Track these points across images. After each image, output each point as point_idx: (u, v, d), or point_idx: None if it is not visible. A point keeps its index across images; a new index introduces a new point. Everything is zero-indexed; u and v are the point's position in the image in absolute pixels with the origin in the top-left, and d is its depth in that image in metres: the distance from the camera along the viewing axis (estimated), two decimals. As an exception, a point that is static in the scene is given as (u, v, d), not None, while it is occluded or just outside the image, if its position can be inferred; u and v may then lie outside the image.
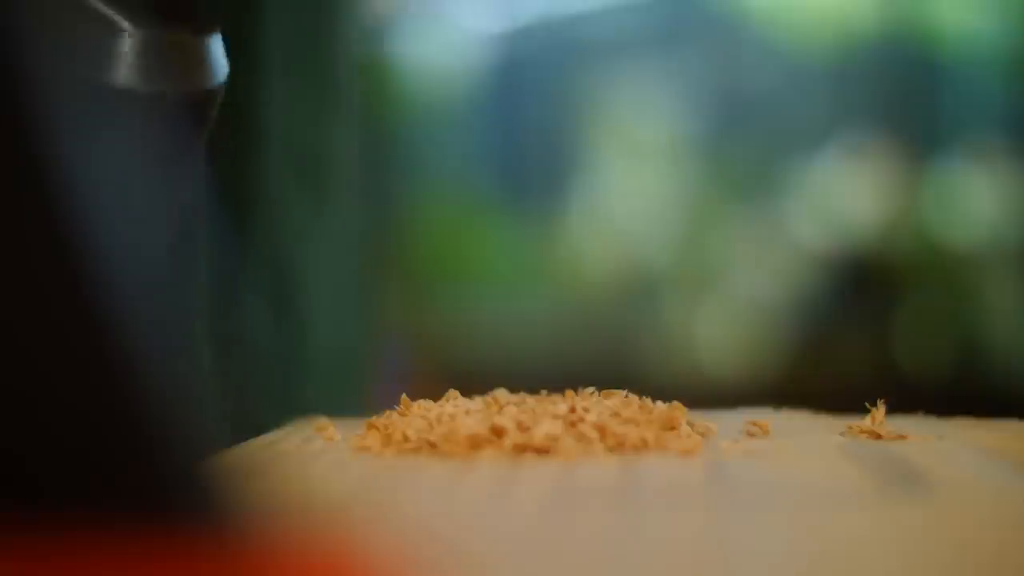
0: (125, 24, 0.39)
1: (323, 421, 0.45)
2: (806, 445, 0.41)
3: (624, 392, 0.44)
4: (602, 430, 0.40)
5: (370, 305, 0.57)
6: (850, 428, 0.44)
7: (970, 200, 1.64)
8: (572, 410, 0.41)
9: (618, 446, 0.39)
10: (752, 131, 1.76)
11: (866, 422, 0.44)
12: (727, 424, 0.44)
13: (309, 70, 0.53)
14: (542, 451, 0.39)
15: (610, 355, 1.70)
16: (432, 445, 0.39)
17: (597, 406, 0.41)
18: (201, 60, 0.42)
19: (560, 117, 1.82)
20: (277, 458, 0.40)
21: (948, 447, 0.41)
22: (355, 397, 0.57)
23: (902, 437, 0.42)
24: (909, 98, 1.70)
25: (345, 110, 0.56)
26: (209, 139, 0.51)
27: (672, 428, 0.41)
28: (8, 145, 0.21)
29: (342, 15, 0.56)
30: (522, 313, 1.77)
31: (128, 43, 0.39)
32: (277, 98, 0.52)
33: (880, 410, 0.44)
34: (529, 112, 1.84)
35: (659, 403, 0.43)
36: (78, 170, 0.21)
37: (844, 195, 1.68)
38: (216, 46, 0.43)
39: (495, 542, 0.29)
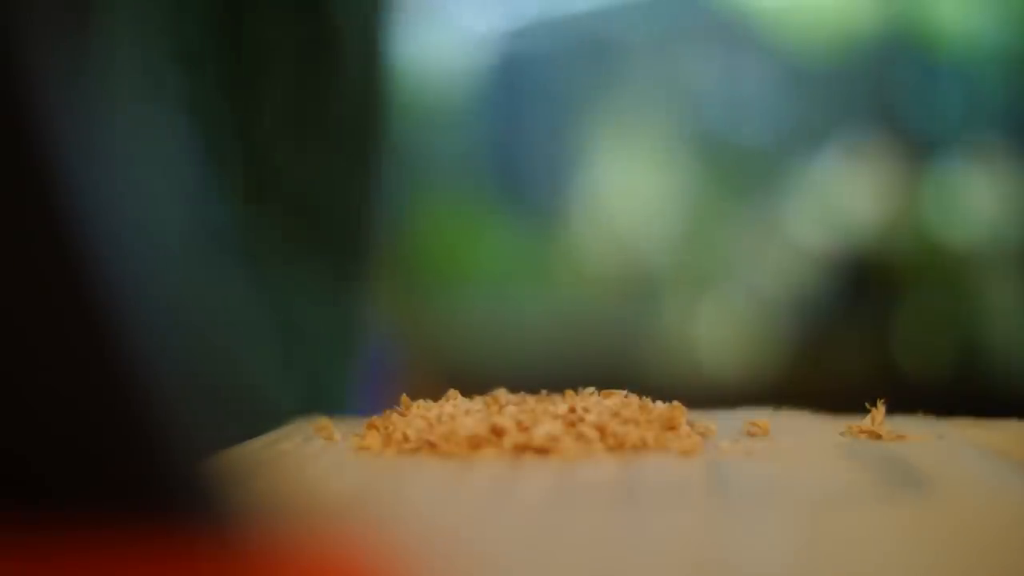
0: None
1: (323, 421, 0.45)
2: (806, 445, 0.41)
3: (624, 392, 0.44)
4: (602, 430, 0.40)
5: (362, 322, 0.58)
6: (850, 428, 0.44)
7: (970, 200, 1.64)
8: (572, 410, 0.41)
9: (618, 446, 0.39)
10: (752, 131, 1.76)
11: (866, 422, 0.44)
12: (727, 424, 0.44)
13: (323, 118, 0.54)
14: (542, 451, 0.39)
15: (610, 355, 1.70)
16: (432, 445, 0.39)
17: (597, 406, 0.41)
18: None
19: (560, 117, 1.82)
20: (277, 458, 0.40)
21: (948, 447, 0.41)
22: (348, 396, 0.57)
23: (902, 437, 0.42)
24: (909, 98, 1.70)
25: (369, 163, 0.56)
26: (216, 178, 0.51)
27: (672, 428, 0.41)
28: (9, 143, 0.21)
29: (368, 66, 0.56)
30: (522, 313, 1.77)
31: None
32: (287, 145, 0.53)
33: (880, 410, 0.44)
34: (529, 112, 1.84)
35: (659, 403, 0.43)
36: (80, 167, 0.21)
37: (844, 195, 1.68)
38: None
39: (495, 542, 0.29)
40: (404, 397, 0.44)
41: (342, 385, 0.57)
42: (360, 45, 0.55)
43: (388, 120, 0.59)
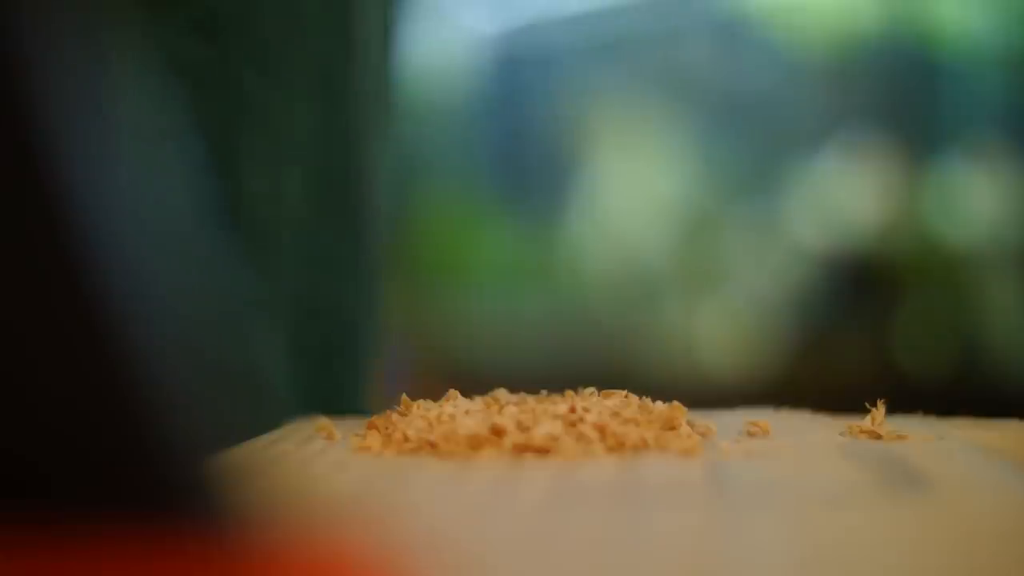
0: None
1: (323, 421, 0.45)
2: (806, 445, 0.41)
3: (624, 392, 0.44)
4: (602, 430, 0.40)
5: (381, 318, 0.58)
6: (850, 428, 0.44)
7: (970, 200, 1.64)
8: (572, 410, 0.41)
9: (618, 446, 0.39)
10: (752, 131, 1.76)
11: (866, 422, 0.44)
12: (727, 424, 0.44)
13: (342, 91, 0.54)
14: (542, 451, 0.39)
15: (610, 355, 1.70)
16: (432, 445, 0.39)
17: (597, 406, 0.41)
18: None
19: (560, 117, 1.82)
20: (277, 458, 0.40)
21: (948, 447, 0.41)
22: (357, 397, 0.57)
23: (902, 437, 0.42)
24: (909, 98, 1.70)
25: (379, 132, 0.56)
26: (229, 154, 0.51)
27: (672, 428, 0.41)
28: (7, 143, 0.21)
29: (379, 35, 0.56)
30: (522, 313, 1.77)
31: None
32: (308, 117, 0.53)
33: (880, 410, 0.44)
34: (529, 112, 1.84)
35: (659, 403, 0.43)
36: (78, 167, 0.21)
37: (844, 195, 1.68)
38: None
39: (495, 542, 0.29)
40: (404, 397, 0.44)
41: (343, 385, 0.57)
42: (376, 27, 0.55)
43: (399, 106, 0.59)
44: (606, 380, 0.46)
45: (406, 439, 0.40)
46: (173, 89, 0.49)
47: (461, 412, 0.42)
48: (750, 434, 0.43)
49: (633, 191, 1.77)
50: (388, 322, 0.60)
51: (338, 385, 0.56)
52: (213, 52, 0.50)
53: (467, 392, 0.45)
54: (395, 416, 0.43)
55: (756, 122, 1.76)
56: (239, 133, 0.51)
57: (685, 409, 0.43)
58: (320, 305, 0.55)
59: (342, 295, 0.56)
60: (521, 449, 0.39)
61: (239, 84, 0.51)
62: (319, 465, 0.39)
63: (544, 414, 0.40)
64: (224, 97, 0.51)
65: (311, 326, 0.55)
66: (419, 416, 0.42)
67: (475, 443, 0.39)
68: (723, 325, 1.71)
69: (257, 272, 0.52)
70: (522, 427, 0.39)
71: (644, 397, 0.44)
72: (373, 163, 0.56)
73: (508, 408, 0.41)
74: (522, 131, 1.85)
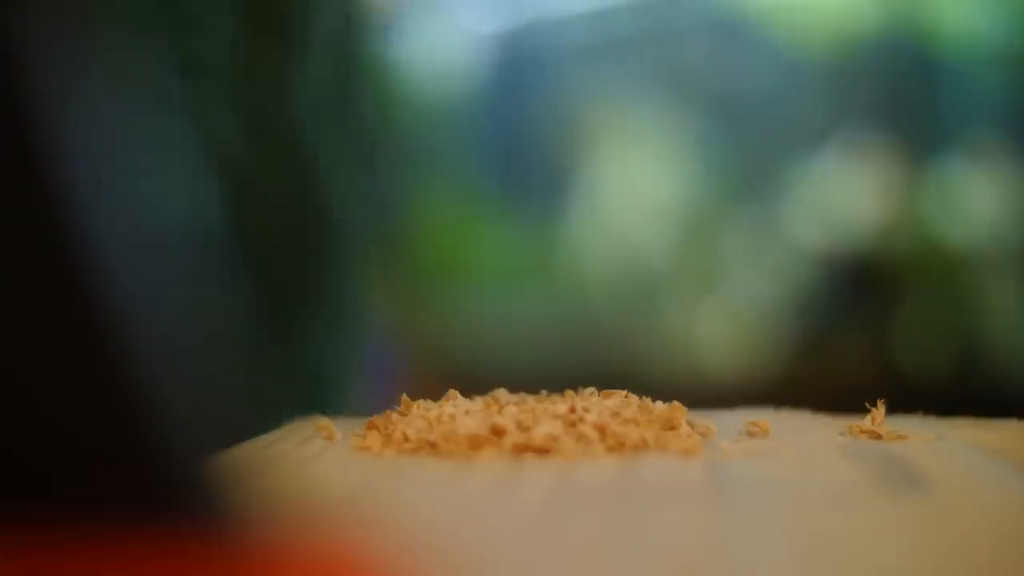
0: None
1: (323, 421, 0.45)
2: (806, 445, 0.41)
3: (624, 392, 0.44)
4: (602, 430, 0.40)
5: (366, 325, 0.59)
6: (850, 428, 0.44)
7: (970, 200, 1.64)
8: (572, 410, 0.41)
9: (618, 446, 0.39)
10: (751, 131, 1.76)
11: (866, 422, 0.44)
12: (727, 424, 0.44)
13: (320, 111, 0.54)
14: (542, 451, 0.39)
15: (610, 355, 1.70)
16: (432, 445, 0.39)
17: (597, 406, 0.41)
18: None
19: (560, 117, 1.82)
20: (277, 458, 0.40)
21: (948, 447, 0.41)
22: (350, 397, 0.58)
23: (902, 437, 0.42)
24: (909, 98, 1.70)
25: (362, 152, 0.57)
26: (224, 161, 0.52)
27: (672, 428, 0.41)
28: (9, 143, 0.21)
29: (368, 61, 0.57)
30: (522, 313, 1.77)
31: None
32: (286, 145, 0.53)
33: (880, 410, 0.44)
34: (529, 111, 1.84)
35: (659, 403, 0.43)
36: (79, 171, 0.21)
37: (844, 195, 1.68)
38: None
39: (495, 542, 0.29)
40: (404, 397, 0.44)
41: (342, 385, 0.57)
42: (342, 48, 0.56)
43: (387, 120, 0.60)
44: (606, 380, 0.46)
45: (406, 439, 0.40)
46: (160, 112, 0.49)
47: (461, 412, 0.42)
48: (750, 434, 0.43)
49: (633, 191, 1.77)
50: (378, 325, 0.61)
51: (326, 387, 0.56)
52: (196, 85, 0.51)
53: (467, 392, 0.45)
54: (395, 416, 0.43)
55: (756, 122, 1.76)
56: (223, 155, 0.52)
57: (685, 409, 0.43)
58: (304, 311, 0.55)
59: (325, 302, 0.56)
60: (521, 449, 0.39)
61: (220, 111, 0.52)
62: (319, 465, 0.39)
63: (544, 414, 0.40)
64: (206, 122, 0.51)
65: (298, 332, 0.55)
66: (419, 416, 0.42)
67: (475, 443, 0.39)
68: (723, 325, 1.71)
69: (247, 279, 0.53)
70: (522, 427, 0.39)
71: (644, 397, 0.44)
72: (354, 179, 0.56)
73: (508, 408, 0.41)
74: (522, 131, 1.85)
